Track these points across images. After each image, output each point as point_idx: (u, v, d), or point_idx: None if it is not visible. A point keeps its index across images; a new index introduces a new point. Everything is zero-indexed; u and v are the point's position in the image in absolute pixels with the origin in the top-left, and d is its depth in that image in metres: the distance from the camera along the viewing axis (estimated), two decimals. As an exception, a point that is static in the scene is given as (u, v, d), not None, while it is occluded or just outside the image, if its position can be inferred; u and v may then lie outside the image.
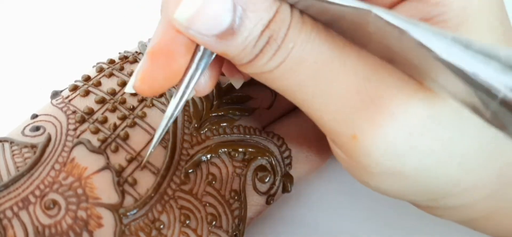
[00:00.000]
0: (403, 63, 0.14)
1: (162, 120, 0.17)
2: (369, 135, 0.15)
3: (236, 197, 0.20)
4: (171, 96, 0.21)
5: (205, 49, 0.16)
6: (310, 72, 0.15)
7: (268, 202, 0.20)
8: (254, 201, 0.20)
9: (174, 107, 0.17)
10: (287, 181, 0.21)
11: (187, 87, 0.16)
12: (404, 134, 0.14)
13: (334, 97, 0.15)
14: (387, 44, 0.14)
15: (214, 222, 0.19)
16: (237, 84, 0.20)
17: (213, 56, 0.16)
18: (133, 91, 0.17)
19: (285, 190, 0.21)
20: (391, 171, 0.15)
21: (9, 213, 0.17)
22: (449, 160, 0.15)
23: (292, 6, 0.15)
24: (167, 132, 0.20)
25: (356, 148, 0.15)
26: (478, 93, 0.11)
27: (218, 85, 0.22)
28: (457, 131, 0.15)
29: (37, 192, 0.18)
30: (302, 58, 0.15)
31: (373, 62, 0.15)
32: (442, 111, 0.15)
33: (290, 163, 0.21)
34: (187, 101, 0.18)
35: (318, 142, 0.22)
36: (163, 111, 0.21)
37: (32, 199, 0.17)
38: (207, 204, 0.19)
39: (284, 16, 0.14)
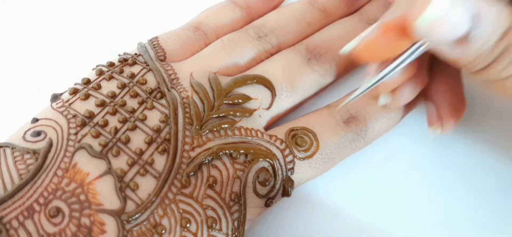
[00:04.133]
0: None
1: (367, 82, 0.19)
2: None
3: (236, 200, 0.20)
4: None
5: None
6: None
7: (267, 205, 0.21)
8: (254, 203, 0.20)
9: (382, 75, 0.19)
10: (288, 185, 0.21)
11: (398, 65, 0.18)
12: None
13: None
14: None
15: (214, 225, 0.19)
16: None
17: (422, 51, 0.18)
18: (349, 51, 0.19)
19: (285, 194, 0.21)
20: None
21: (15, 223, 0.17)
22: None
23: None
24: (168, 134, 0.20)
25: None
26: None
27: (218, 85, 0.22)
28: None
29: (41, 200, 0.18)
30: None
31: None
32: None
33: (292, 168, 0.21)
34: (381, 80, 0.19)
35: None
36: (163, 114, 0.21)
37: (37, 207, 0.18)
38: (208, 207, 0.19)
39: None
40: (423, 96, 0.23)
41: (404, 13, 0.16)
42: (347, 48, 0.19)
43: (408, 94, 0.21)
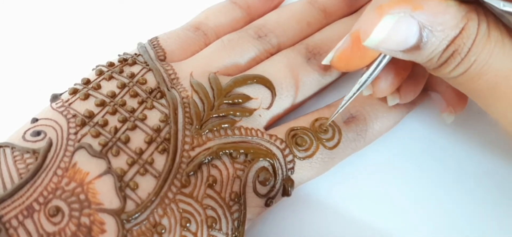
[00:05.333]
0: None
1: (352, 89, 0.20)
2: None
3: (236, 199, 0.20)
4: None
5: None
6: (489, 83, 0.17)
7: (267, 204, 0.21)
8: (254, 203, 0.20)
9: (363, 81, 0.20)
10: (288, 185, 0.21)
11: (374, 70, 0.19)
12: None
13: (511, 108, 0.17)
14: None
15: (214, 225, 0.19)
16: (392, 101, 0.22)
17: None
18: (328, 63, 0.20)
19: (285, 193, 0.21)
20: None
21: (14, 222, 0.17)
22: None
23: (480, 20, 0.17)
24: (168, 133, 0.20)
25: None
26: None
27: (218, 85, 0.22)
28: None
29: (41, 199, 0.18)
30: (482, 71, 0.17)
31: None
32: None
33: (292, 168, 0.21)
34: (363, 83, 0.20)
35: None
36: (163, 113, 0.21)
37: (36, 206, 0.18)
38: (208, 207, 0.19)
39: (470, 33, 0.16)
40: (425, 93, 0.23)
41: (358, 28, 0.18)
42: (326, 60, 0.21)
43: (413, 90, 0.22)
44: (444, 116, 0.23)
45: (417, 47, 0.17)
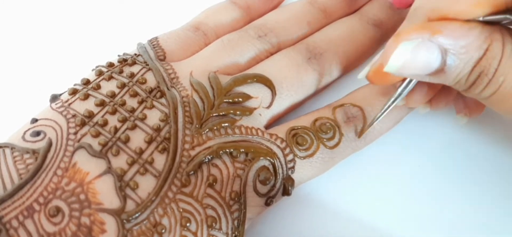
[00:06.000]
0: None
1: (388, 101, 0.21)
2: None
3: (236, 199, 0.20)
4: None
5: None
6: None
7: (267, 204, 0.21)
8: (254, 202, 0.20)
9: (398, 94, 0.20)
10: (288, 184, 0.21)
11: (408, 84, 0.20)
12: None
13: None
14: None
15: (214, 225, 0.19)
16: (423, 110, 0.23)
17: None
18: (364, 78, 0.20)
19: (285, 193, 0.21)
20: None
21: (14, 223, 0.17)
22: None
23: (505, 40, 0.16)
24: (168, 133, 0.20)
25: None
26: None
27: (218, 84, 0.22)
28: None
29: (41, 200, 0.18)
30: None
31: None
32: None
33: (293, 167, 0.21)
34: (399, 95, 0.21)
35: None
36: (163, 113, 0.21)
37: (37, 207, 0.18)
38: (208, 207, 0.19)
39: (495, 53, 0.16)
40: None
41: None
42: (362, 74, 0.21)
43: (444, 100, 0.22)
44: (459, 118, 0.23)
45: (441, 70, 0.17)
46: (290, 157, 0.21)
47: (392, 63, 0.17)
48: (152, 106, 0.21)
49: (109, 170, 0.19)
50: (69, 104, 0.21)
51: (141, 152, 0.20)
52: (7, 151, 0.19)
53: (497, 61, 0.16)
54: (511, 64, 0.16)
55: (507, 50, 0.16)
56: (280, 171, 0.21)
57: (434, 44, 0.17)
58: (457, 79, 0.17)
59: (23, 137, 0.20)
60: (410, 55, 0.17)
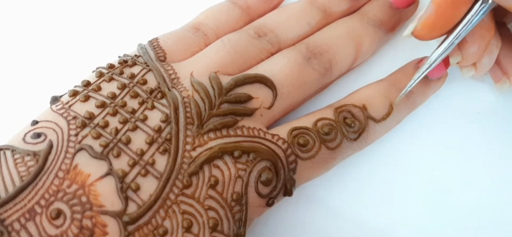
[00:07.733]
0: None
1: (432, 55, 0.21)
2: None
3: (238, 200, 0.20)
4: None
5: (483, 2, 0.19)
6: None
7: (269, 204, 0.21)
8: (255, 203, 0.20)
9: (445, 46, 0.20)
10: (290, 184, 0.21)
11: (459, 33, 0.20)
12: None
13: None
14: None
15: (216, 227, 0.19)
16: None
17: (488, 10, 0.19)
18: (410, 35, 0.20)
19: (287, 193, 0.21)
20: None
21: (16, 225, 0.17)
22: None
23: None
24: (169, 134, 0.20)
25: None
26: None
27: (219, 84, 0.22)
28: None
29: (43, 202, 0.18)
30: None
31: None
32: None
33: (295, 168, 0.21)
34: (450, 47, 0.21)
35: None
36: (164, 113, 0.21)
37: (38, 209, 0.18)
38: (209, 208, 0.19)
39: None
40: (437, 83, 0.24)
41: None
42: (408, 31, 0.21)
43: (488, 61, 0.22)
44: (499, 86, 0.23)
45: None
46: (291, 157, 0.21)
47: None
48: (153, 107, 0.21)
49: (110, 171, 0.19)
50: (70, 106, 0.21)
51: (142, 153, 0.19)
52: (8, 153, 0.19)
53: None
54: None
55: None
56: (282, 172, 0.21)
57: None
58: None
59: (23, 139, 0.19)
60: None
